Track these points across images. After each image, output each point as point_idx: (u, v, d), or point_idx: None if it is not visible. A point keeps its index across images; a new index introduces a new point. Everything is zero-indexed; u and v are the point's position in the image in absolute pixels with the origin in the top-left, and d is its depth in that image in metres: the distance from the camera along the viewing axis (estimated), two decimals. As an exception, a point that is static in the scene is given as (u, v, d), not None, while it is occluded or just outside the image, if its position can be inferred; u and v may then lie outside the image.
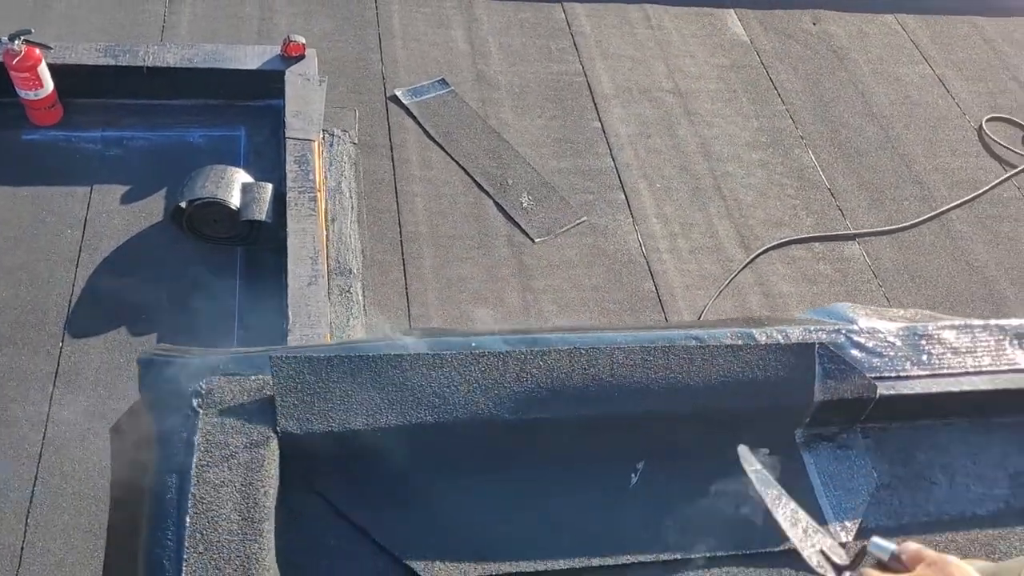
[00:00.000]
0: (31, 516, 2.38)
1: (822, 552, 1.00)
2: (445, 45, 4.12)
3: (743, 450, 1.06)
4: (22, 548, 2.33)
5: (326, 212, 3.23)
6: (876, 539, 0.96)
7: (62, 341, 2.71)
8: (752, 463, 1.04)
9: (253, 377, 1.09)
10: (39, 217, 2.96)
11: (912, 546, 0.94)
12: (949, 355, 1.33)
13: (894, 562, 0.94)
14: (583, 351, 1.19)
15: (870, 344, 1.31)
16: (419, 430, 1.10)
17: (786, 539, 1.16)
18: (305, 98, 3.21)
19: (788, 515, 1.02)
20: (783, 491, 1.04)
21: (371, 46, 4.03)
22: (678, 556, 1.12)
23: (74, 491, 2.44)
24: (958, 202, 3.95)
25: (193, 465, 1.00)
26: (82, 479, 2.46)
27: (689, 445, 1.21)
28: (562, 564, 1.08)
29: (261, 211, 2.91)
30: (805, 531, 1.01)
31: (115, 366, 2.68)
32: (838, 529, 1.19)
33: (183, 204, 2.88)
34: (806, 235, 3.69)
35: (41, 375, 2.62)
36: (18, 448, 2.48)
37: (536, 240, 3.46)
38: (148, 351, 1.12)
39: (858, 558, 0.98)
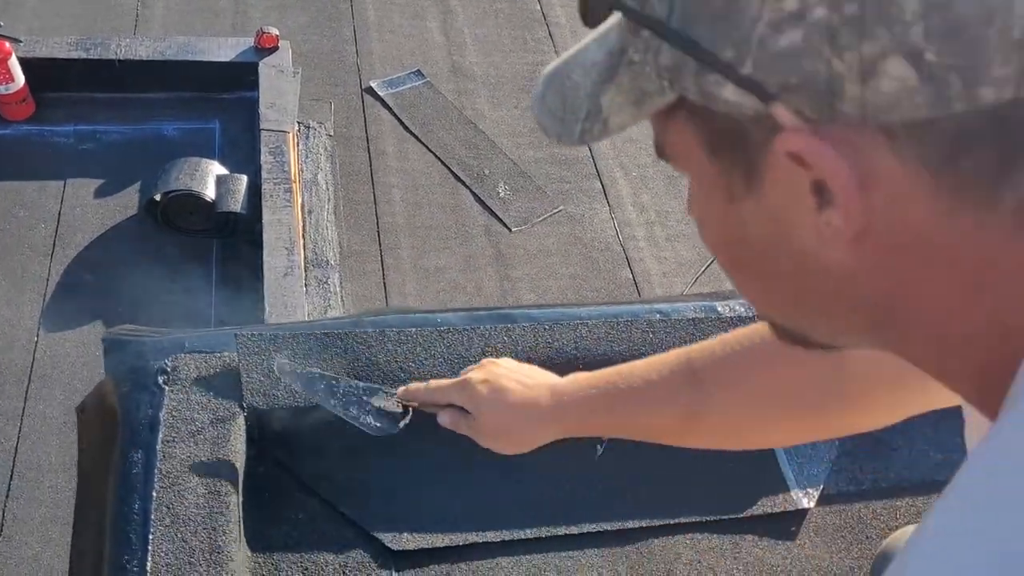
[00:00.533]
0: (8, 510, 2.37)
1: (379, 411, 1.01)
2: (420, 37, 4.12)
3: (281, 364, 1.03)
4: (-1, 542, 2.33)
5: (302, 204, 3.23)
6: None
7: (37, 336, 2.70)
8: (291, 375, 1.03)
9: (218, 355, 1.10)
10: (11, 212, 2.95)
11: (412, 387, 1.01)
12: (909, 326, 1.36)
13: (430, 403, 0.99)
14: (547, 326, 1.21)
15: (831, 315, 1.33)
16: (385, 404, 1.11)
17: (746, 507, 1.19)
18: (279, 89, 3.21)
19: (341, 398, 1.01)
20: (334, 377, 1.03)
21: (346, 38, 4.02)
22: (642, 524, 1.14)
23: (51, 484, 2.44)
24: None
25: (159, 441, 1.01)
26: (59, 472, 2.45)
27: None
28: (528, 533, 1.10)
29: (236, 203, 2.91)
30: (359, 403, 1.01)
31: (91, 359, 2.67)
32: (801, 496, 1.21)
33: (157, 197, 2.87)
34: (781, 221, 3.73)
35: (16, 369, 2.61)
36: (-7, 443, 2.47)
37: (513, 229, 3.47)
38: (113, 331, 1.13)
39: (407, 406, 1.02)
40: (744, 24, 0.38)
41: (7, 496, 2.39)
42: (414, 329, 1.18)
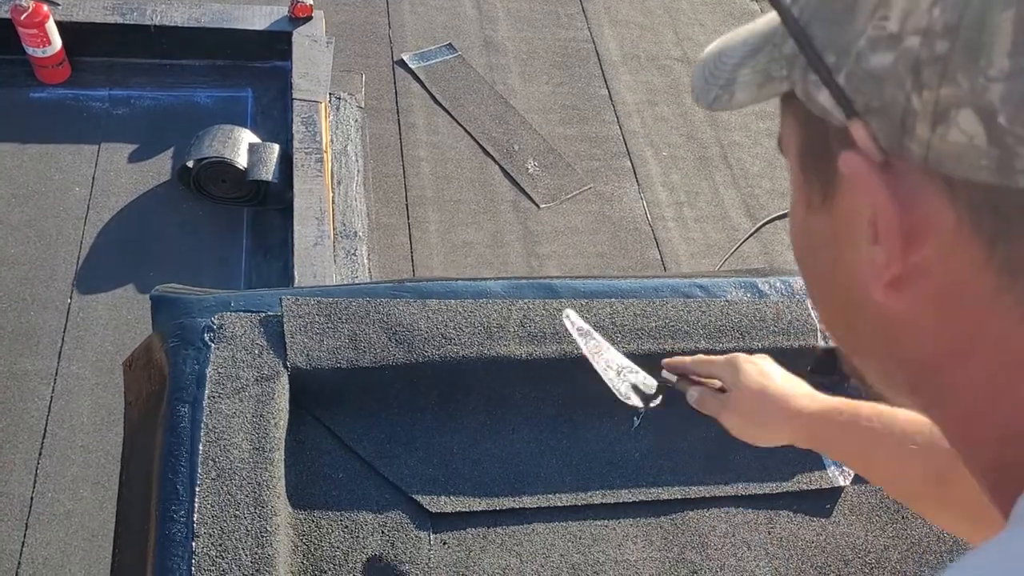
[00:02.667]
0: (40, 467, 2.42)
1: (633, 386, 1.06)
2: (452, 10, 4.10)
3: (570, 312, 1.09)
4: (31, 498, 2.37)
5: (332, 175, 3.24)
6: (664, 372, 1.03)
7: (71, 297, 2.73)
8: (572, 324, 1.08)
9: (263, 314, 1.11)
10: (46, 174, 2.98)
11: (700, 359, 1.02)
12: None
13: (685, 382, 1.02)
14: (584, 301, 1.21)
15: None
16: (424, 368, 1.12)
17: (782, 479, 1.19)
18: (312, 59, 3.20)
19: (604, 361, 1.07)
20: (603, 341, 1.08)
21: (379, 10, 4.01)
22: (678, 496, 1.15)
23: (82, 444, 2.48)
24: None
25: (205, 397, 1.02)
26: (90, 432, 2.49)
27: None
28: (564, 500, 1.11)
29: (268, 171, 2.92)
30: (618, 372, 1.07)
31: (123, 322, 2.70)
32: (837, 474, 1.21)
33: (190, 163, 2.89)
34: (811, 205, 3.69)
35: (50, 330, 2.65)
36: (28, 401, 2.51)
37: (541, 206, 3.47)
38: (161, 288, 1.14)
39: (659, 389, 1.05)
40: (850, 35, 0.38)
41: (40, 454, 2.44)
42: (454, 301, 1.18)
